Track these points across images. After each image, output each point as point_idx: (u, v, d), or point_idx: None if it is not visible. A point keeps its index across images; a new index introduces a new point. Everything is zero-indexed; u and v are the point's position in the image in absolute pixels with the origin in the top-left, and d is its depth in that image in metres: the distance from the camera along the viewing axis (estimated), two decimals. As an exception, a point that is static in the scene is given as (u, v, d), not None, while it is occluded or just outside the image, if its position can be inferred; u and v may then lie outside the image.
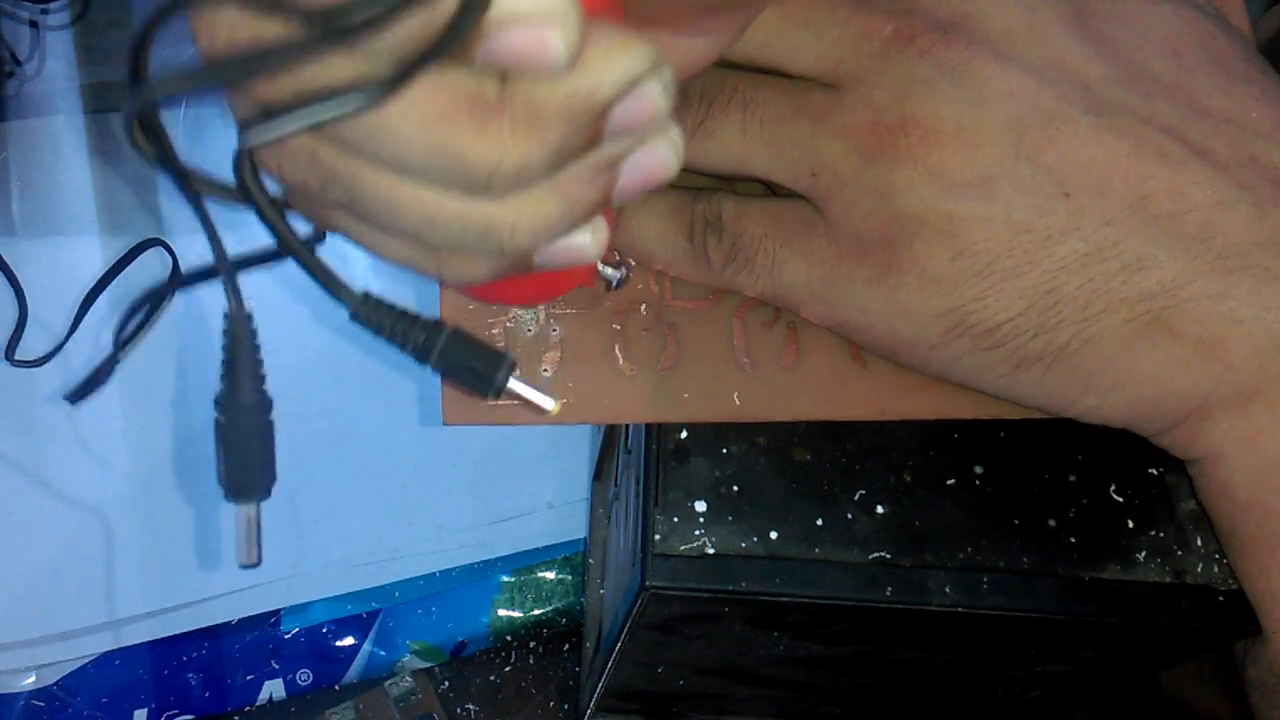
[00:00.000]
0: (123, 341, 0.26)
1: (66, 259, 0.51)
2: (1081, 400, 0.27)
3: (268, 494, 0.22)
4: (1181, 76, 0.26)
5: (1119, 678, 0.35)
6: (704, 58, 0.24)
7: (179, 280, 0.25)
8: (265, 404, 0.21)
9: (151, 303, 0.27)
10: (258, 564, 0.21)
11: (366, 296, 0.21)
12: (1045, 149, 0.25)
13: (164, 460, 0.49)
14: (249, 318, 0.21)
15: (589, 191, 0.20)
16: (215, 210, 0.20)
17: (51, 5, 0.55)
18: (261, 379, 0.21)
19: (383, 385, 0.51)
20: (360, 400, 0.50)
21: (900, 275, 0.26)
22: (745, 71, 0.27)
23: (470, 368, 0.22)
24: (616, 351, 0.29)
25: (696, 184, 0.29)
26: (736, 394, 0.29)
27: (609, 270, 0.27)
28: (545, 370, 0.29)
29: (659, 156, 0.20)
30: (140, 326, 0.27)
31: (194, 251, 0.50)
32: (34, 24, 0.55)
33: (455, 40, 0.16)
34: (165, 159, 0.19)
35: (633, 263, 0.28)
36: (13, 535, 0.47)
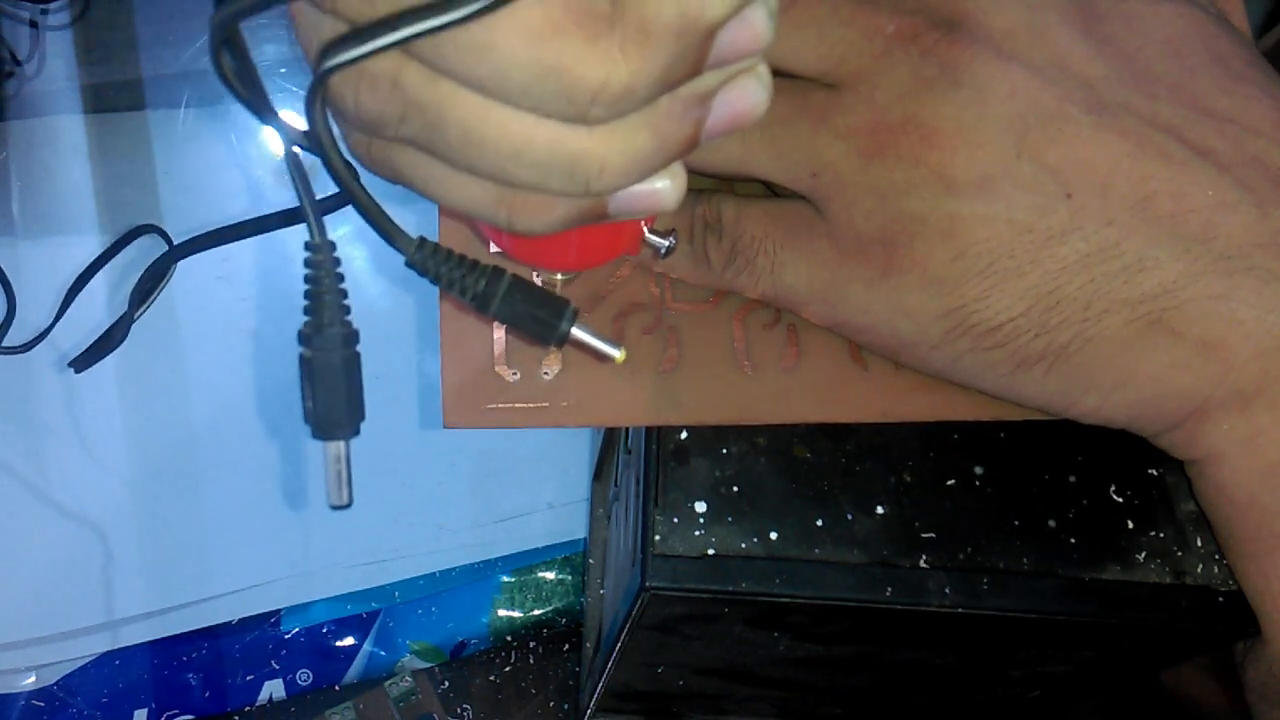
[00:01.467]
0: (135, 307, 0.26)
1: (66, 259, 0.51)
2: (1082, 400, 0.27)
3: (357, 431, 0.21)
4: (1183, 77, 0.26)
5: (1119, 678, 0.35)
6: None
7: (179, 249, 0.24)
8: (352, 336, 0.20)
9: (169, 262, 0.26)
10: (349, 504, 0.21)
11: (424, 242, 0.20)
12: (1047, 149, 0.25)
13: (164, 460, 0.49)
14: (332, 246, 0.20)
15: (682, 127, 0.19)
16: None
17: (51, 5, 0.55)
18: (346, 309, 0.20)
19: (383, 385, 0.51)
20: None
21: (902, 276, 0.26)
22: None
23: (533, 314, 0.21)
24: None
25: (696, 185, 0.29)
26: (737, 396, 0.29)
27: (656, 238, 0.26)
28: (546, 373, 0.29)
29: (750, 94, 0.19)
30: (149, 295, 0.26)
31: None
32: (34, 24, 0.55)
33: None
34: (251, 88, 0.18)
35: (677, 233, 0.27)
36: (13, 535, 0.47)
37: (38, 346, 0.48)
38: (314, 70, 0.17)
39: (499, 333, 0.29)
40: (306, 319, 0.20)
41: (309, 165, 0.20)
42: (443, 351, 0.29)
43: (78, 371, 0.35)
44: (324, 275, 0.20)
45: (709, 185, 0.29)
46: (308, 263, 0.20)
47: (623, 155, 0.19)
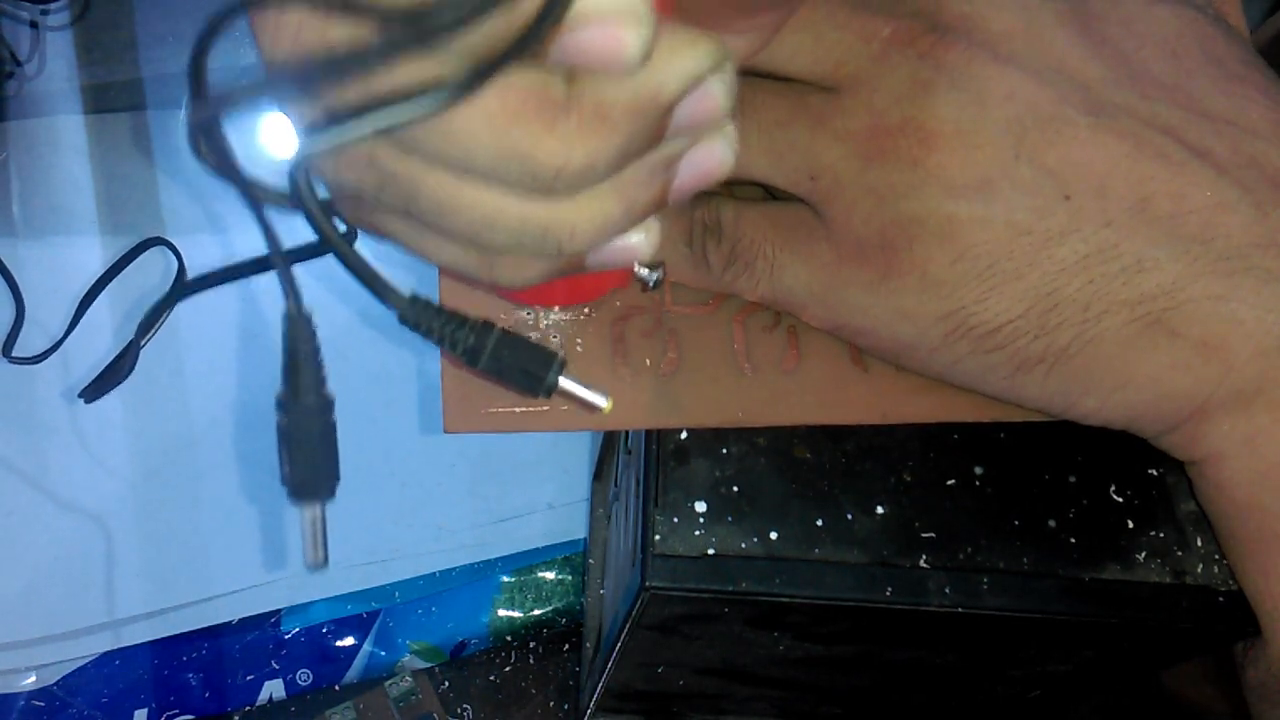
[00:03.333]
0: (138, 341, 0.26)
1: (66, 259, 0.51)
2: (1082, 402, 0.27)
3: (332, 494, 0.21)
4: (1181, 78, 0.26)
5: (1119, 678, 0.35)
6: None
7: (189, 285, 0.25)
8: (327, 404, 0.21)
9: (176, 299, 0.27)
10: (325, 565, 0.21)
11: (415, 298, 0.21)
12: (1045, 151, 0.25)
13: (165, 460, 0.49)
14: (308, 319, 0.20)
15: (648, 190, 0.20)
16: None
17: (51, 5, 0.55)
18: (323, 379, 0.21)
19: (383, 385, 0.51)
20: (360, 401, 0.50)
21: (901, 278, 0.26)
22: (743, 76, 0.27)
23: (521, 368, 0.22)
24: (616, 358, 0.29)
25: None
26: (737, 399, 0.28)
27: (644, 271, 0.27)
28: None
29: (716, 154, 0.20)
30: (152, 327, 0.27)
31: (195, 250, 0.50)
32: (34, 24, 0.55)
33: (535, 39, 0.16)
34: (228, 169, 0.19)
35: (665, 265, 0.28)
36: (13, 535, 0.47)
37: (37, 346, 0.48)
38: (299, 147, 0.18)
39: None
40: (283, 387, 0.21)
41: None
42: (442, 355, 0.29)
43: (88, 402, 0.35)
44: (301, 345, 0.20)
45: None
46: (285, 333, 0.20)
47: (591, 221, 0.19)
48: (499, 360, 0.21)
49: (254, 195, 0.20)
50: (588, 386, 0.23)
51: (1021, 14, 0.26)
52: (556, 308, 0.29)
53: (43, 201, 0.53)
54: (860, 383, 0.29)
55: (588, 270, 0.21)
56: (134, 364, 0.29)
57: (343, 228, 0.21)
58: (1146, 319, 0.25)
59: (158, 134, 0.54)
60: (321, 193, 0.20)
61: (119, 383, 0.30)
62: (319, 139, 0.17)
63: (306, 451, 0.21)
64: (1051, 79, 0.25)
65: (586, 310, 0.29)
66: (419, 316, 0.21)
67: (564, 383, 0.22)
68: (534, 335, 0.29)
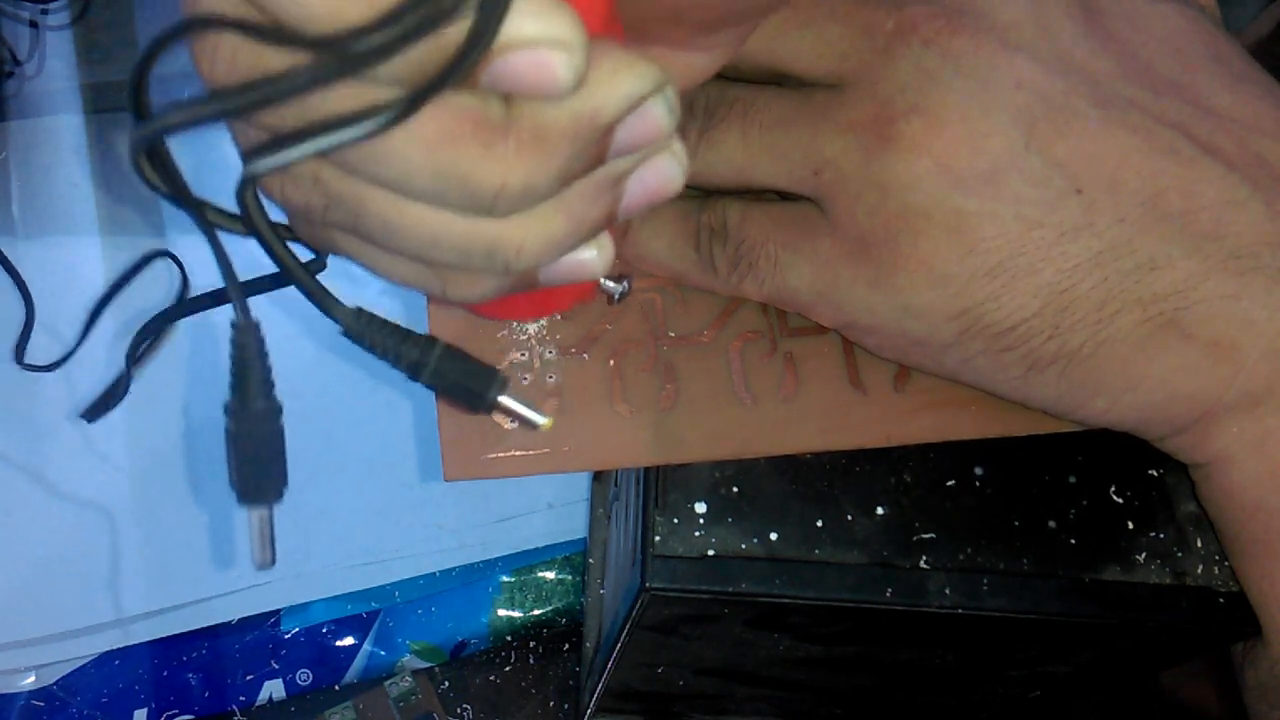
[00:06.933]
0: (134, 360, 0.27)
1: (67, 259, 0.51)
2: (1091, 403, 0.26)
3: (279, 497, 0.22)
4: (1186, 75, 0.26)
5: (1119, 678, 0.35)
6: (703, 72, 0.24)
7: (188, 306, 0.25)
8: (275, 410, 0.21)
9: (162, 323, 0.27)
10: (272, 564, 0.22)
11: (360, 313, 0.21)
12: (1055, 142, 0.24)
13: (165, 460, 0.49)
14: (256, 328, 0.21)
15: (594, 209, 0.20)
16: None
17: (51, 5, 0.55)
18: (270, 385, 0.21)
19: (382, 385, 0.51)
20: (360, 400, 0.50)
21: (909, 275, 0.25)
22: (744, 81, 0.27)
23: (462, 385, 0.22)
24: (614, 395, 0.29)
25: (702, 191, 0.29)
26: (738, 429, 0.28)
27: (610, 284, 0.27)
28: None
29: (663, 172, 0.20)
30: (149, 346, 0.27)
31: (197, 257, 0.50)
32: (34, 24, 0.55)
33: (464, 66, 0.16)
34: (174, 189, 0.20)
35: (632, 277, 0.28)
36: (13, 534, 0.47)
37: (37, 347, 0.48)
38: (244, 168, 0.18)
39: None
40: (231, 394, 0.21)
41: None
42: (438, 404, 0.29)
43: (90, 421, 0.36)
44: (249, 354, 0.21)
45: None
46: (233, 342, 0.21)
47: (538, 239, 0.19)
48: (442, 376, 0.22)
49: (204, 215, 0.20)
50: (528, 405, 0.23)
51: (1029, 5, 0.26)
52: (554, 341, 0.29)
53: (42, 201, 0.53)
54: (861, 405, 0.29)
55: (542, 287, 0.22)
56: (129, 382, 0.29)
57: (300, 250, 0.21)
58: (1159, 319, 0.25)
59: (157, 134, 0.54)
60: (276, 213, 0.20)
61: (120, 399, 0.30)
62: (261, 162, 0.17)
63: (253, 457, 0.21)
64: (1061, 69, 0.25)
65: (585, 355, 0.29)
66: (363, 330, 0.21)
67: (505, 400, 0.22)
68: (529, 378, 0.29)
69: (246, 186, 0.19)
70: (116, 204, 0.53)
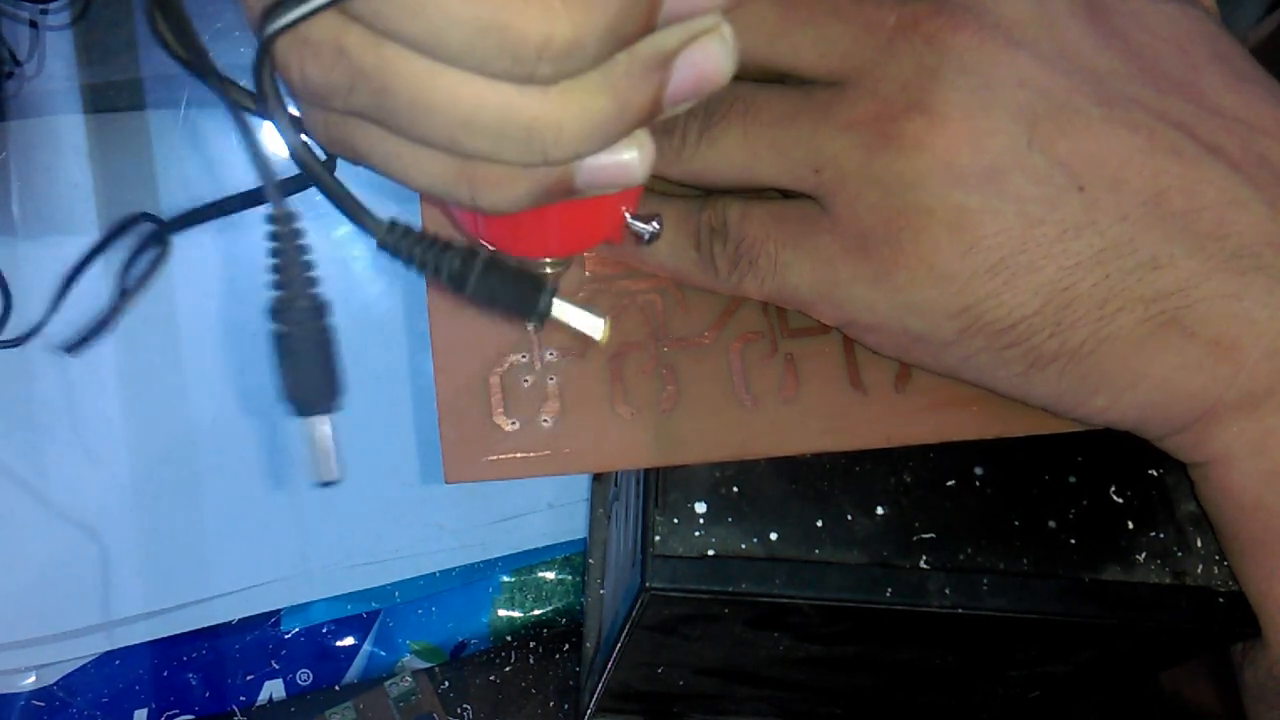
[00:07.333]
0: (124, 292, 0.25)
1: (66, 259, 0.51)
2: (1091, 401, 0.26)
3: (338, 405, 0.20)
4: (1190, 74, 0.26)
5: (1119, 678, 0.35)
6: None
7: (174, 223, 0.23)
8: (321, 306, 0.20)
9: (150, 246, 0.25)
10: (339, 480, 0.20)
11: (394, 224, 0.20)
12: (1058, 140, 0.24)
13: (164, 460, 0.49)
14: (294, 216, 0.19)
15: (641, 89, 0.18)
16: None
17: (51, 5, 0.55)
18: (314, 281, 0.19)
19: (381, 386, 0.51)
20: (361, 400, 0.50)
21: (910, 272, 0.25)
22: (745, 79, 0.27)
23: (510, 294, 0.20)
24: (615, 396, 0.29)
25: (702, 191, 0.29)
26: (739, 431, 0.28)
27: (639, 224, 0.25)
28: (545, 421, 0.28)
29: (713, 55, 0.19)
30: (145, 275, 0.26)
31: (194, 249, 0.50)
32: (34, 24, 0.55)
33: None
34: (190, 49, 0.18)
35: (661, 216, 0.25)
36: (13, 535, 0.47)
37: (36, 347, 0.48)
38: (258, 38, 0.17)
39: (495, 379, 0.29)
40: (275, 293, 0.19)
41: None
42: (439, 406, 0.29)
43: (70, 353, 0.35)
44: (288, 246, 0.19)
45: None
46: (271, 235, 0.19)
47: (580, 119, 0.18)
48: (485, 287, 0.20)
49: (219, 83, 0.18)
50: (583, 308, 0.21)
51: (1032, 2, 0.26)
52: (554, 343, 0.29)
53: (42, 201, 0.53)
54: (861, 406, 0.29)
55: (578, 194, 0.20)
56: (112, 320, 0.28)
57: (322, 155, 0.20)
58: (1161, 318, 0.25)
59: (158, 134, 0.54)
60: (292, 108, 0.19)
61: (105, 329, 0.28)
62: (281, 15, 0.16)
63: (305, 360, 0.20)
64: (1064, 68, 0.25)
65: (586, 357, 0.29)
66: (399, 242, 0.20)
67: (558, 306, 0.21)
68: (530, 379, 0.29)
69: (264, 54, 0.17)
70: (116, 204, 0.53)
